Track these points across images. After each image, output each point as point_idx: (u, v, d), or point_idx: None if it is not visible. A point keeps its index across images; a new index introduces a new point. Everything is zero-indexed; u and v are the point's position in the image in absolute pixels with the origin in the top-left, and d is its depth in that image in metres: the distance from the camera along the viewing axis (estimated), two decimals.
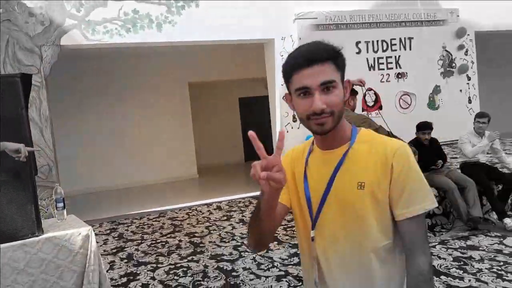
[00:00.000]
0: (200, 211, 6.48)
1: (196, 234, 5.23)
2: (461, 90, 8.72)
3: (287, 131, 7.28)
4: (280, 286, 3.44)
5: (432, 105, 8.53)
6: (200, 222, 5.84)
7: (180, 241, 5.01)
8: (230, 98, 12.21)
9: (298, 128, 7.32)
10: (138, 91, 9.77)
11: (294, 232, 4.89)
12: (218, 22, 6.90)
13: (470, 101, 8.74)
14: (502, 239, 4.17)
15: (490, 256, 3.76)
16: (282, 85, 7.34)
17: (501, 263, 3.57)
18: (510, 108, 10.09)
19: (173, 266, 4.16)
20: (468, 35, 8.68)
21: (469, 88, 8.77)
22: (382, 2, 7.95)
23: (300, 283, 3.46)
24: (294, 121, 7.37)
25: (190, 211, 6.57)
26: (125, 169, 9.62)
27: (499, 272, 3.39)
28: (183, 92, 10.22)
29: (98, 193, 8.89)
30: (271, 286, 3.46)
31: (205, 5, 6.80)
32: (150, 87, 9.82)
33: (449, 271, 3.48)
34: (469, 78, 8.76)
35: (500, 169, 5.08)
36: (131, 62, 9.53)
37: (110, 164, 9.53)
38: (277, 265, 3.94)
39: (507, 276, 3.31)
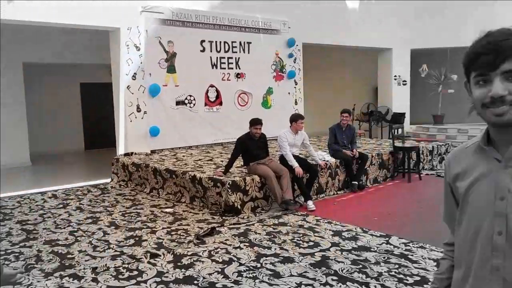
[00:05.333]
0: (33, 199, 6.24)
1: (29, 222, 5.11)
2: (289, 93, 10.02)
3: (131, 121, 7.44)
4: (115, 264, 3.74)
5: (265, 104, 9.62)
6: (33, 210, 5.66)
7: (11, 228, 4.85)
8: (71, 82, 11.62)
9: (142, 118, 7.55)
10: None
11: (132, 217, 5.20)
12: (64, 5, 6.69)
13: (296, 103, 10.10)
14: (305, 217, 5.17)
15: (294, 230, 4.67)
16: (126, 74, 7.49)
17: (301, 235, 4.49)
18: (326, 110, 11.90)
19: (4, 252, 4.08)
20: (297, 45, 10.01)
21: (295, 92, 10.13)
22: (224, 5, 8.64)
23: (134, 260, 3.81)
24: (138, 111, 7.55)
25: (22, 199, 6.27)
26: None
27: (298, 241, 4.28)
28: (16, 72, 9.41)
29: None
30: (106, 264, 3.74)
31: None
32: None
33: (261, 243, 4.24)
34: (296, 83, 10.12)
35: (310, 161, 6.18)
36: None
37: None
38: (113, 246, 4.21)
39: (303, 245, 4.20)
